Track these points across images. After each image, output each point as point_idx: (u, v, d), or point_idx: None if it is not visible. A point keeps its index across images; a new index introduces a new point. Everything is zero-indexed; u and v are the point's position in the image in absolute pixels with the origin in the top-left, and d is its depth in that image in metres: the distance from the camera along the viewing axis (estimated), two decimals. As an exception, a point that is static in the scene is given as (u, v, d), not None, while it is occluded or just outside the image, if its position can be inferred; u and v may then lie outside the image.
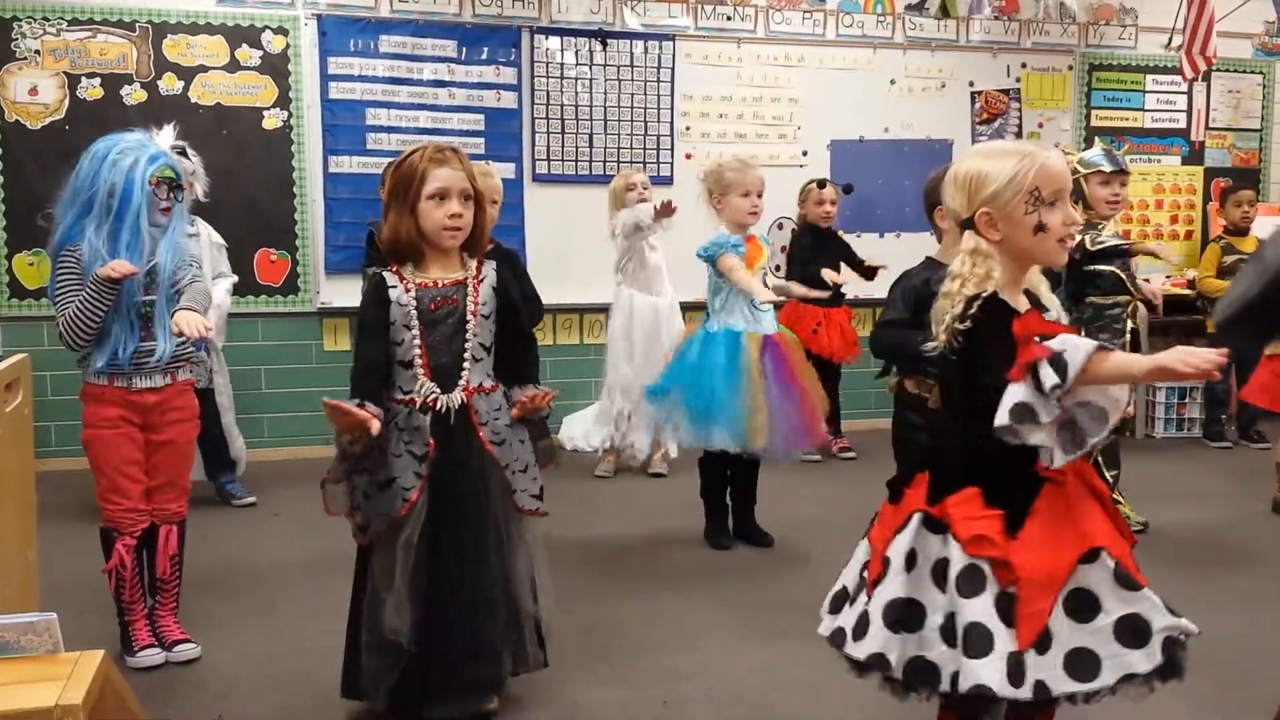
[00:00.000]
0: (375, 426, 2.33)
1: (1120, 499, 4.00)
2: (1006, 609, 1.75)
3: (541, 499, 2.58)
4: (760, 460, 3.94)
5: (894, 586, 1.84)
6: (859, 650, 1.86)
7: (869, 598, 1.88)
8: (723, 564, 3.84)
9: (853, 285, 5.51)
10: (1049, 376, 1.70)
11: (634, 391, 4.96)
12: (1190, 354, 1.67)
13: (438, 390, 2.46)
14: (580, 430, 5.72)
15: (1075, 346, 1.71)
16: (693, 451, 4.12)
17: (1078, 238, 3.85)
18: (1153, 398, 6.25)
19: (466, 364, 2.48)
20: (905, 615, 1.83)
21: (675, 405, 3.77)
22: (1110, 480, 3.95)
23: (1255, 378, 4.52)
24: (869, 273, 5.43)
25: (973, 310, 1.82)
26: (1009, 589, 1.75)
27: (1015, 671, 1.72)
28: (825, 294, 4.88)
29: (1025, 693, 1.71)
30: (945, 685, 1.79)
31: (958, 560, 1.79)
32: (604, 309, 5.34)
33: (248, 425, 5.05)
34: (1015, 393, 1.74)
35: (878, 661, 1.83)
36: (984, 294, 1.83)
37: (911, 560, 1.85)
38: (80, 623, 3.02)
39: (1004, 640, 1.74)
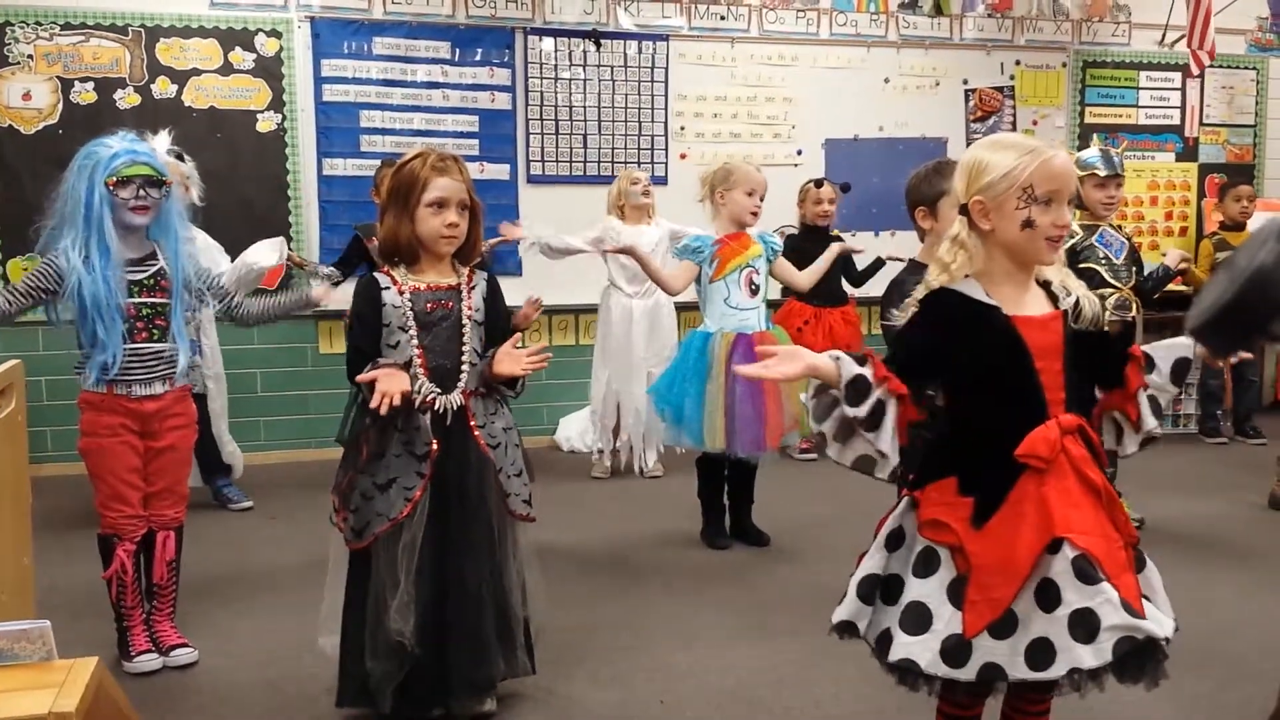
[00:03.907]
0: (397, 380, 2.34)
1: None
2: (959, 593, 1.80)
3: (531, 505, 2.59)
4: (757, 461, 3.95)
5: (872, 562, 1.94)
6: (834, 616, 1.96)
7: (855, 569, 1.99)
8: (720, 563, 3.85)
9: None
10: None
11: (610, 396, 4.97)
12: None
13: (438, 390, 2.46)
14: (576, 431, 5.72)
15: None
16: (690, 451, 4.12)
17: (1069, 241, 3.86)
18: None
19: (465, 367, 2.49)
20: (880, 589, 1.91)
21: (655, 406, 3.94)
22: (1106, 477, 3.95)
23: None
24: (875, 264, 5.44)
25: (925, 298, 1.91)
26: (965, 574, 1.80)
27: (956, 653, 1.78)
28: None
29: (968, 674, 1.77)
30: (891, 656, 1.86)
31: (921, 541, 1.87)
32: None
33: (243, 429, 5.04)
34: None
35: (847, 628, 1.94)
36: (941, 285, 1.89)
37: (897, 539, 1.92)
38: (75, 628, 3.02)
39: (944, 622, 1.80)
